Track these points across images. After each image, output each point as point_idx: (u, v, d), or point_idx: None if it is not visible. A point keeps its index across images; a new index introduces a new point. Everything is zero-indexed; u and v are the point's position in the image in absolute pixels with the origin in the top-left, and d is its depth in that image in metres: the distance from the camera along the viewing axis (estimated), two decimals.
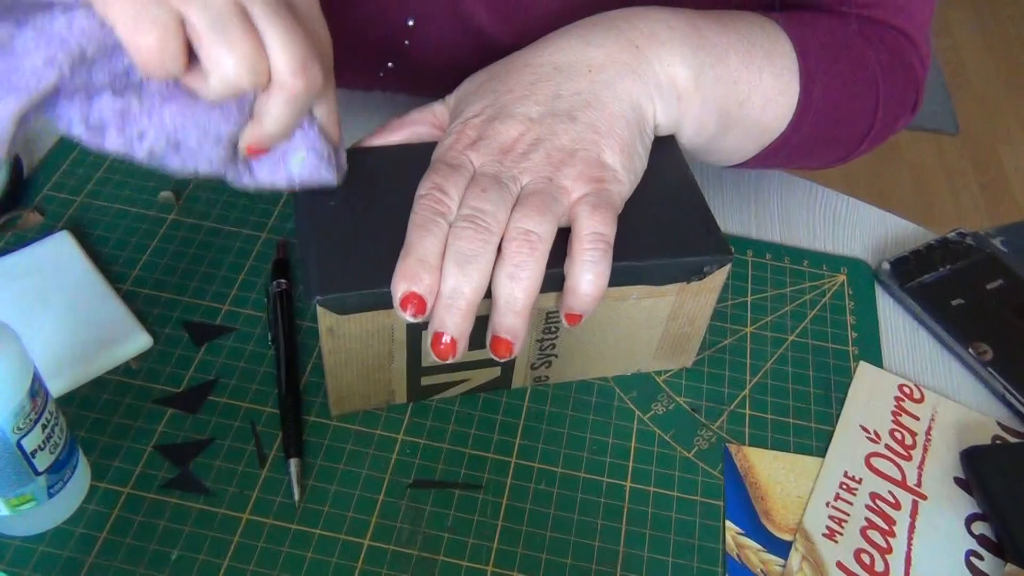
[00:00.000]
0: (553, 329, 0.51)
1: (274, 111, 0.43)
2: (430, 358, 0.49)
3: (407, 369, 0.51)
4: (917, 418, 0.57)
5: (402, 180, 0.48)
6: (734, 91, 0.53)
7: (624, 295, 0.49)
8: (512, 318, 0.45)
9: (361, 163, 0.50)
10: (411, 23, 0.63)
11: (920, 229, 0.69)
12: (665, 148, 0.53)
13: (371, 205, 0.48)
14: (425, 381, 0.52)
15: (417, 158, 0.49)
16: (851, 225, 0.69)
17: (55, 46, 0.40)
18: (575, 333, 0.51)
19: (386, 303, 0.45)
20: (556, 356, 0.53)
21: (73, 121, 0.42)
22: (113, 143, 0.44)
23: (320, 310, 0.45)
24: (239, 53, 0.40)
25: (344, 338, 0.47)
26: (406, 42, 0.64)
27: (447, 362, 0.45)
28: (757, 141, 0.57)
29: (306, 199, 0.48)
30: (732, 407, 0.56)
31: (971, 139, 2.07)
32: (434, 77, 0.66)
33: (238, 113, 0.44)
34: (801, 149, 0.58)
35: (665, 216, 0.49)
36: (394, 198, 0.48)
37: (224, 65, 0.40)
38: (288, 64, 0.41)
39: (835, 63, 0.56)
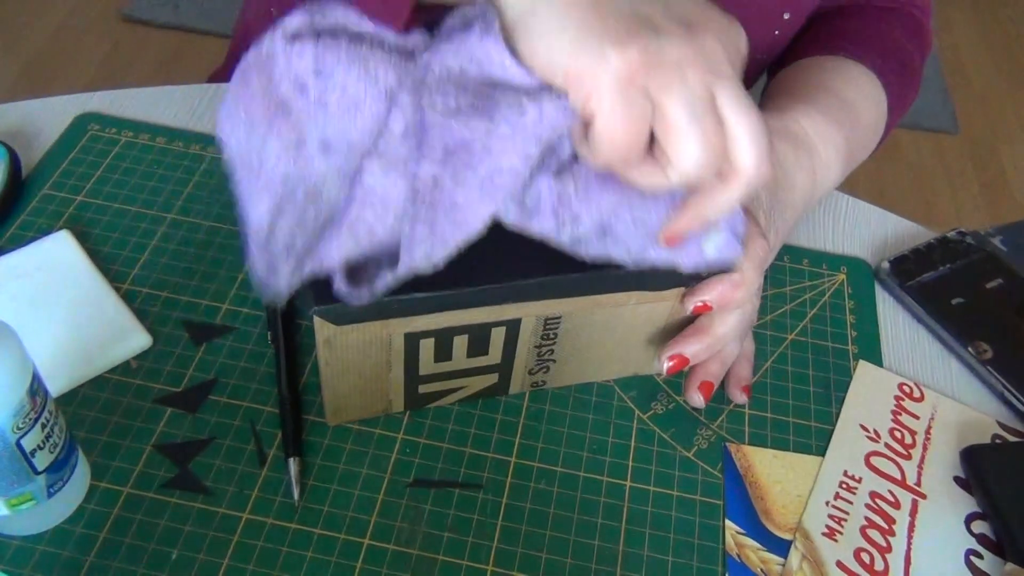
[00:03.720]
0: (551, 336, 0.50)
1: (726, 201, 0.42)
2: (429, 365, 0.49)
3: (405, 378, 0.50)
4: (917, 417, 0.57)
5: None
6: (855, 163, 0.64)
7: (623, 301, 0.49)
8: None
9: None
10: None
11: (920, 228, 0.69)
12: None
13: None
14: (423, 389, 0.52)
15: None
16: (851, 225, 0.69)
17: (529, 143, 0.39)
18: (573, 339, 0.51)
19: (384, 313, 0.45)
20: (554, 361, 0.53)
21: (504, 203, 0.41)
22: (541, 225, 0.43)
23: (317, 321, 0.44)
24: (712, 145, 0.38)
25: (341, 349, 0.47)
26: None
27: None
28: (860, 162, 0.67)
29: None
30: (732, 406, 0.56)
31: (971, 139, 2.07)
32: None
33: (667, 200, 0.43)
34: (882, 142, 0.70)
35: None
36: None
37: (693, 156, 0.38)
38: (755, 156, 0.40)
39: (901, 77, 0.67)
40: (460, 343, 0.48)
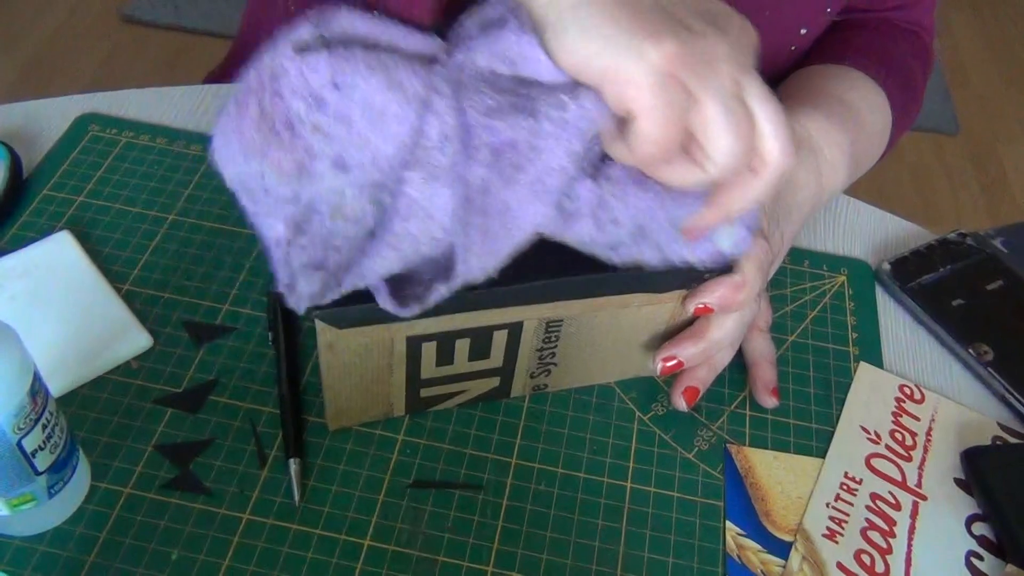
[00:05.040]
0: (553, 339, 0.50)
1: (754, 192, 0.42)
2: (431, 369, 0.49)
3: (406, 382, 0.50)
4: (917, 419, 0.57)
5: None
6: (861, 169, 0.65)
7: (626, 303, 0.49)
8: None
9: None
10: None
11: (920, 229, 0.69)
12: None
13: None
14: (424, 393, 0.52)
15: None
16: (851, 225, 0.69)
17: (573, 139, 0.38)
18: (575, 342, 0.51)
19: (386, 317, 0.44)
20: (555, 365, 0.53)
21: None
22: (580, 229, 0.42)
23: (319, 324, 0.44)
24: (744, 138, 0.39)
25: (343, 352, 0.47)
26: None
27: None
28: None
29: None
30: (732, 407, 0.56)
31: (971, 139, 2.07)
32: None
33: (696, 197, 0.43)
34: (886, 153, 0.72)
35: None
36: None
37: (730, 149, 0.39)
38: (782, 146, 0.41)
39: (904, 91, 0.68)
40: (462, 347, 0.48)
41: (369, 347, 0.47)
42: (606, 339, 0.52)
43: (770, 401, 0.55)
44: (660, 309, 0.50)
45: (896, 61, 0.69)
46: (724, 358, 0.53)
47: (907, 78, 0.69)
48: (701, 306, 0.49)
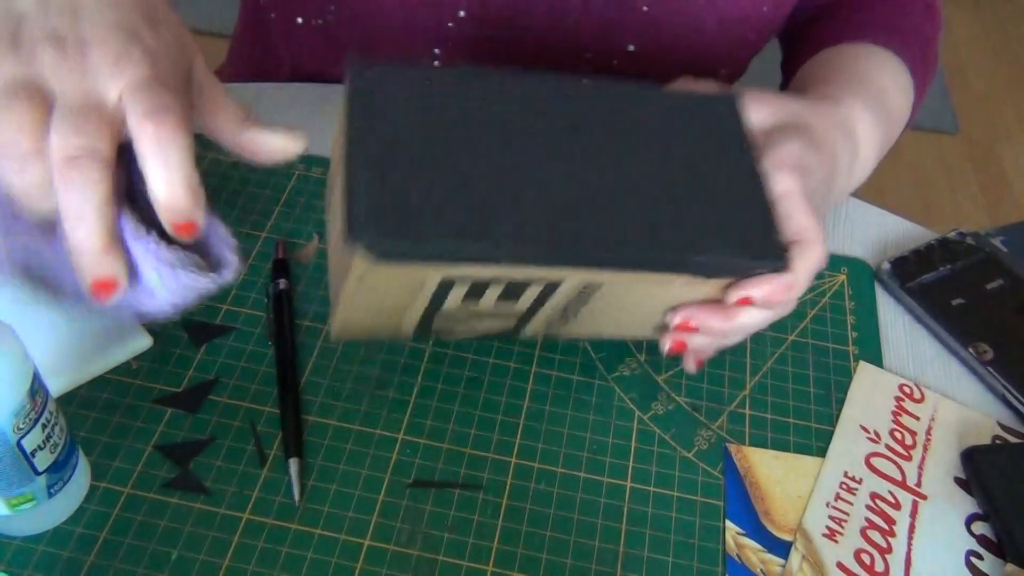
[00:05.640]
0: (584, 299, 0.48)
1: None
2: (453, 307, 0.47)
3: (424, 313, 0.48)
4: (917, 418, 0.57)
5: (472, 111, 0.44)
6: (887, 146, 0.64)
7: (668, 280, 0.47)
8: None
9: (429, 85, 0.44)
10: None
11: (920, 229, 0.69)
12: (729, 127, 0.49)
13: (433, 136, 0.43)
14: (437, 325, 0.50)
15: (492, 88, 0.45)
16: (851, 225, 0.69)
17: None
18: (604, 304, 0.49)
19: (431, 256, 0.41)
20: (576, 317, 0.51)
21: None
22: None
23: (356, 254, 0.40)
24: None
25: (371, 282, 0.43)
26: None
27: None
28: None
29: (359, 121, 0.43)
30: (732, 407, 0.56)
31: (971, 139, 2.07)
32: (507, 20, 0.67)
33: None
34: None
35: (726, 206, 0.47)
36: (461, 129, 0.44)
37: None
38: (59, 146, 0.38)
39: (923, 63, 0.69)
40: (492, 292, 0.46)
41: (400, 283, 0.44)
42: (635, 307, 0.50)
43: (692, 368, 0.55)
44: (696, 290, 0.49)
45: (911, 32, 0.69)
46: (732, 341, 0.53)
47: (923, 45, 0.69)
48: (744, 297, 0.48)
